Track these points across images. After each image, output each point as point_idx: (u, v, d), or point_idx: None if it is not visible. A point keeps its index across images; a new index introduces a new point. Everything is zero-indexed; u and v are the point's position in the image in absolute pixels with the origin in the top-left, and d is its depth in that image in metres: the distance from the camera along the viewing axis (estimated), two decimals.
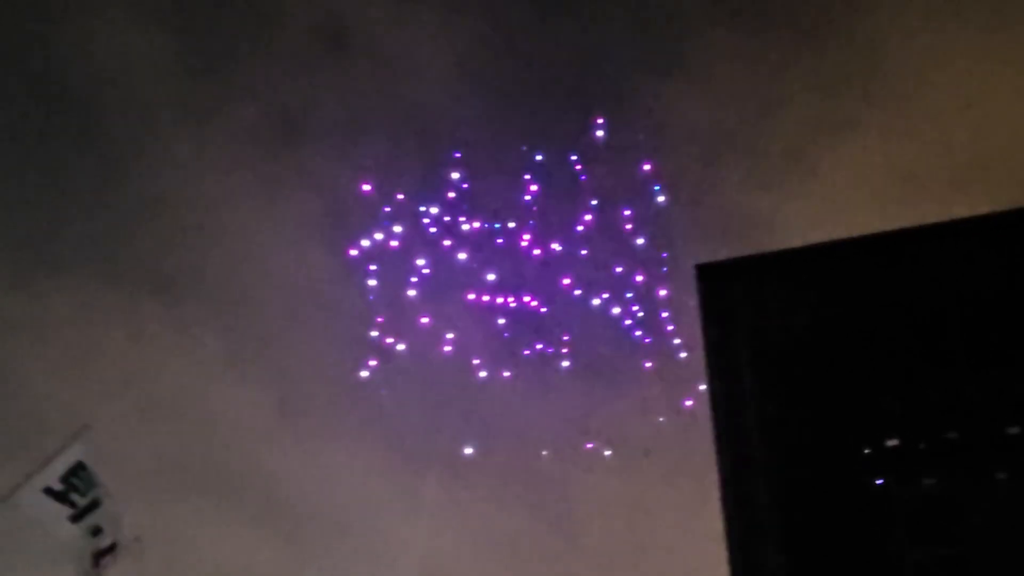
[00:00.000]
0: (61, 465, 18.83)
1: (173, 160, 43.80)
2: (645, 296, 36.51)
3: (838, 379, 26.81)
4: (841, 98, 41.68)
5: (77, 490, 19.14)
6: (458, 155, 36.93)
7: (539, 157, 37.67)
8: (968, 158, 37.89)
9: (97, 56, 43.97)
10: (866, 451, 26.36)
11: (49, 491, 18.65)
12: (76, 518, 19.23)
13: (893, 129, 40.85)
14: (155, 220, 44.09)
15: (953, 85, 38.97)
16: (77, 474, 19.19)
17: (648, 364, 34.29)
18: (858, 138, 41.31)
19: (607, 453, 33.07)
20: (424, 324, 37.16)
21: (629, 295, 36.69)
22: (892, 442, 26.25)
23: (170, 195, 43.74)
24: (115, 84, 43.92)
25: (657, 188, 36.94)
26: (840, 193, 40.58)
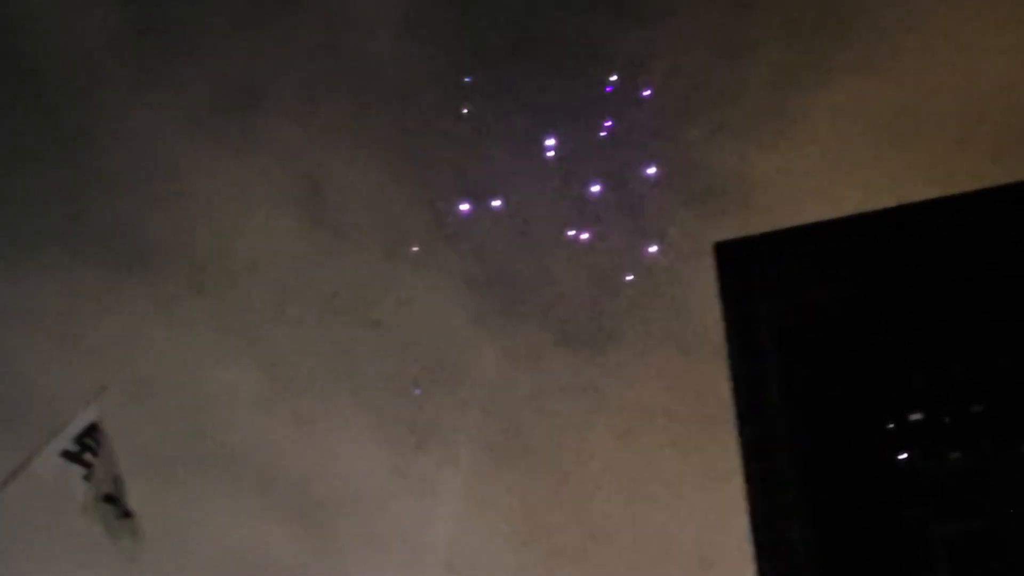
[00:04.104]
0: (76, 426, 18.78)
1: (131, 130, 42.70)
2: (649, 267, 36.22)
3: (861, 354, 26.69)
4: (817, 41, 40.88)
5: (91, 450, 19.13)
6: None
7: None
8: (958, 101, 37.40)
9: (42, 25, 42.51)
10: (890, 426, 26.30)
11: (66, 453, 18.66)
12: (89, 477, 19.19)
13: (874, 72, 40.23)
14: (123, 194, 43.06)
15: (940, 23, 38.31)
16: (91, 435, 19.18)
17: (662, 340, 34.10)
18: (836, 84, 40.63)
19: (622, 430, 32.90)
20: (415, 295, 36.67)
21: (636, 268, 36.41)
22: (916, 416, 26.19)
23: (133, 167, 42.71)
24: (62, 52, 42.55)
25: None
26: (819, 143, 40.05)
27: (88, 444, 19.08)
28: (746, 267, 27.91)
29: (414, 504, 38.35)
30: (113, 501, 18.81)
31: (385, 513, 39.04)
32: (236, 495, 38.93)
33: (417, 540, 37.26)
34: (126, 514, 18.91)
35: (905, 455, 25.98)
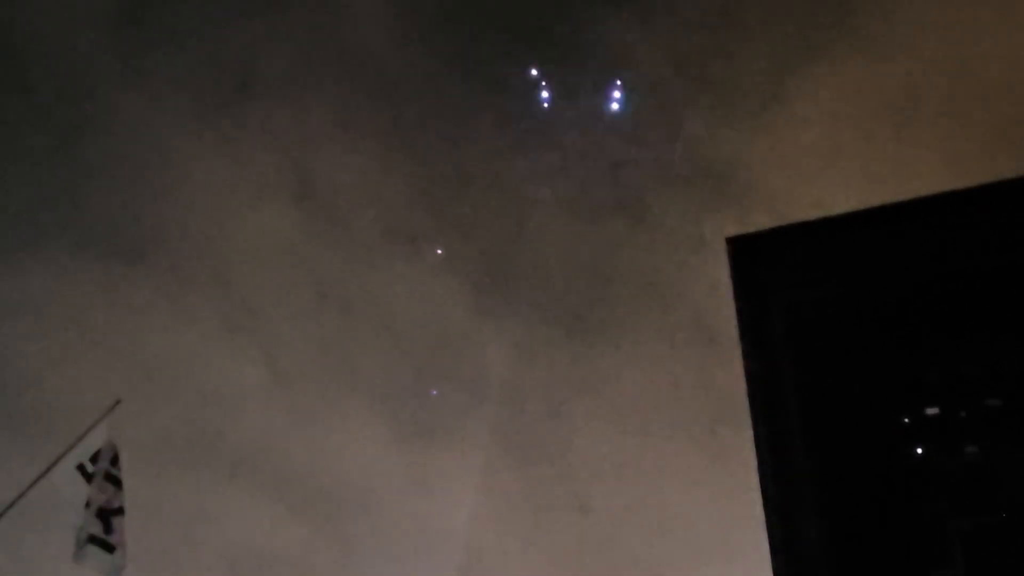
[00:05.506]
0: (91, 442, 18.69)
1: (122, 118, 42.52)
2: (659, 260, 36.08)
3: (876, 348, 26.54)
4: (815, 22, 40.52)
5: (97, 470, 19.01)
6: None
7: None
8: (964, 82, 36.98)
9: (34, 20, 42.34)
10: (906, 420, 26.17)
11: (81, 468, 18.61)
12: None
13: (875, 54, 39.85)
14: (119, 188, 42.90)
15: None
16: (100, 454, 19.06)
17: (674, 335, 33.98)
18: (834, 67, 40.25)
19: (635, 426, 32.79)
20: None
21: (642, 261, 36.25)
22: (932, 411, 26.06)
23: (125, 156, 42.53)
24: (55, 46, 42.33)
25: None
26: (817, 131, 39.71)
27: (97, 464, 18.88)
28: (760, 261, 27.76)
29: (424, 499, 38.24)
30: (97, 540, 18.50)
31: (394, 507, 38.94)
32: (244, 490, 38.85)
33: (427, 535, 37.15)
34: (109, 547, 18.56)
35: (921, 449, 25.84)
